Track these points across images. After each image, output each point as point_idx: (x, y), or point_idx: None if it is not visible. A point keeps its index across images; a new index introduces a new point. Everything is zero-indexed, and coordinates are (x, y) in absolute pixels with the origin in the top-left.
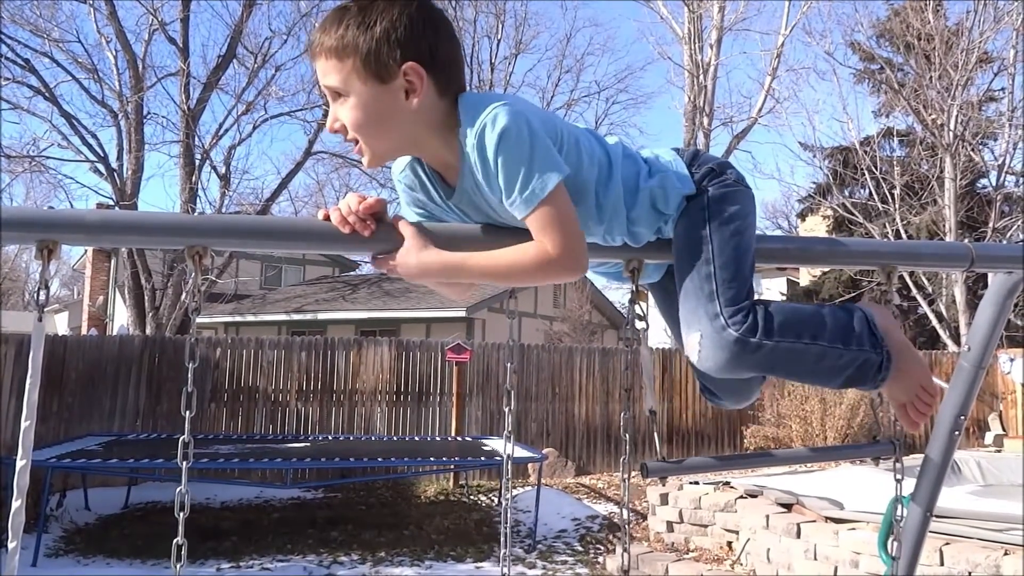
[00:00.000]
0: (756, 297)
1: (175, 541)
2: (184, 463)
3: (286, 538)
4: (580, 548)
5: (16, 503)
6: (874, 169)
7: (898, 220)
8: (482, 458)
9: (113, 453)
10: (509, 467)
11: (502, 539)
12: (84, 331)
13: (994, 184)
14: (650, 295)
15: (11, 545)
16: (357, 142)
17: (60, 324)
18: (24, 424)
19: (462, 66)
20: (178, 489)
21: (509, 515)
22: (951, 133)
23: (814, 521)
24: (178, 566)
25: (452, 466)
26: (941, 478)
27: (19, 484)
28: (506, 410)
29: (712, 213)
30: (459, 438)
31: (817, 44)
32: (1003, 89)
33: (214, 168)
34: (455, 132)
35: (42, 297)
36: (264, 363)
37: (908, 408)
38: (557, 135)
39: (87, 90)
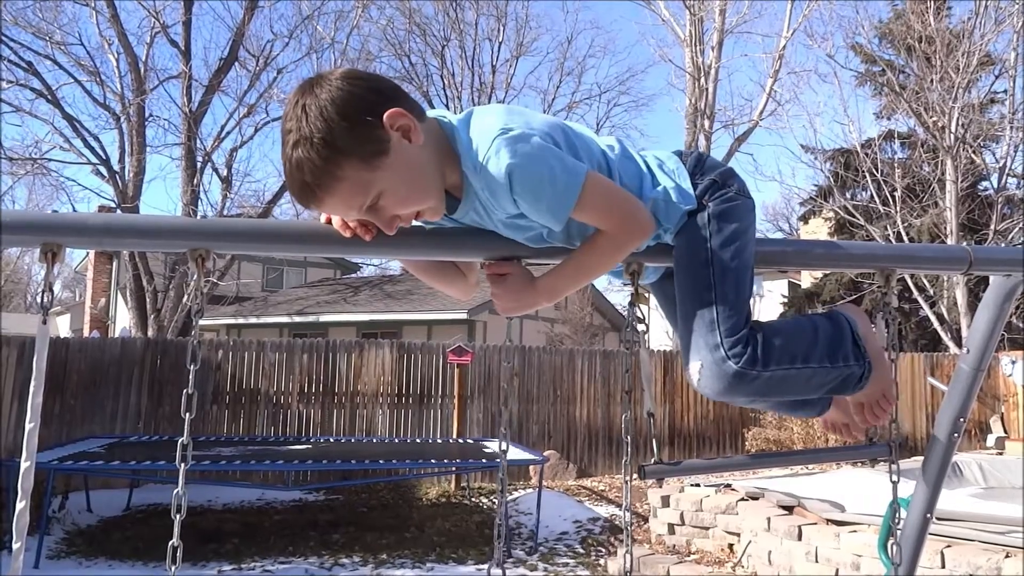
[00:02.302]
0: (752, 317)
1: (171, 543)
2: (182, 465)
3: (288, 540)
4: (581, 550)
5: (20, 504)
6: (875, 171)
7: (899, 222)
8: (483, 460)
9: (115, 455)
10: (505, 465)
11: (495, 532)
12: (86, 333)
13: (995, 186)
14: (650, 295)
15: (15, 546)
16: (417, 215)
17: (62, 326)
18: (28, 426)
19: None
20: (175, 491)
21: (506, 511)
22: (952, 135)
23: (815, 523)
24: (173, 568)
25: (453, 468)
26: (941, 480)
27: (23, 485)
28: (502, 407)
29: (713, 232)
30: (460, 440)
31: (819, 47)
32: (1005, 91)
33: (216, 171)
34: (453, 153)
35: (46, 300)
36: (266, 365)
37: (865, 408)
38: (556, 141)
39: (89, 93)
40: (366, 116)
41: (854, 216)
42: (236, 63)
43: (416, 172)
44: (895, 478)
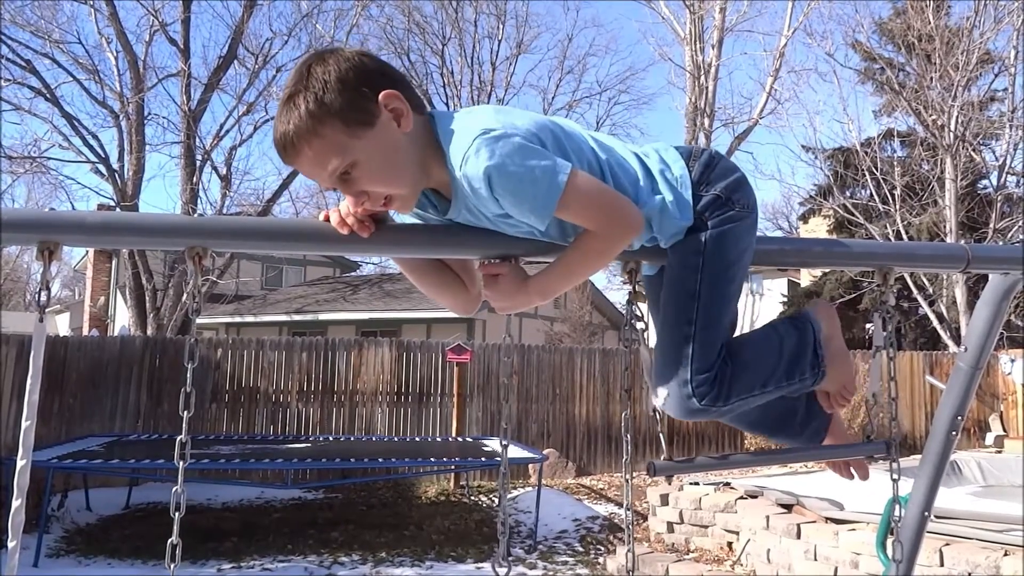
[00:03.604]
0: (725, 341)
1: (170, 541)
2: (181, 463)
3: (287, 538)
4: (581, 549)
5: (16, 502)
6: (875, 170)
7: (899, 221)
8: (483, 459)
9: (114, 453)
10: (506, 458)
11: (500, 528)
12: (85, 332)
13: (995, 185)
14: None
15: (11, 544)
16: (385, 201)
17: (61, 325)
18: (24, 424)
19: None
20: (174, 489)
21: (506, 509)
22: (952, 134)
23: (814, 522)
24: (172, 567)
25: (453, 467)
26: (939, 478)
27: (19, 484)
28: (503, 402)
29: (707, 260)
30: (459, 439)
31: (818, 45)
32: (1004, 89)
33: (215, 169)
34: (441, 153)
35: (43, 298)
36: (265, 364)
37: (831, 397)
38: (543, 141)
39: (88, 91)
40: (363, 87)
41: (853, 215)
42: (235, 61)
43: (395, 155)
44: (895, 476)
